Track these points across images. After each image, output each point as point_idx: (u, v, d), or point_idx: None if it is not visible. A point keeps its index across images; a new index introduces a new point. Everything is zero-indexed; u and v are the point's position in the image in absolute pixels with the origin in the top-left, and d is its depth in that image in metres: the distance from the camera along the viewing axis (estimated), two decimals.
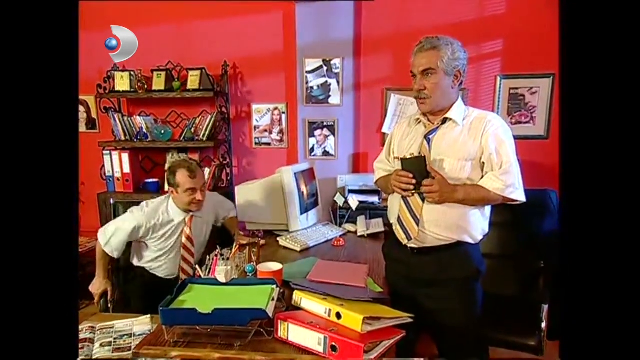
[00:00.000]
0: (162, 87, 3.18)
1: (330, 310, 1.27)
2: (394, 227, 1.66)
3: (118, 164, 3.24)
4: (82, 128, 3.49)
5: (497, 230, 1.78)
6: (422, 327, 1.56)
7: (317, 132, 3.16)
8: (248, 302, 1.34)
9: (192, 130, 3.21)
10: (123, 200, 2.83)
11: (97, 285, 2.16)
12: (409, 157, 1.54)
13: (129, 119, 3.24)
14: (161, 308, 1.29)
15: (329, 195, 2.88)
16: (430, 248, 1.57)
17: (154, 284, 2.20)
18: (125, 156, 3.23)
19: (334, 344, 1.16)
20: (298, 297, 1.38)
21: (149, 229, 2.13)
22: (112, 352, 1.56)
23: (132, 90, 3.21)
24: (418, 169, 1.50)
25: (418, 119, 1.65)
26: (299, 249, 2.15)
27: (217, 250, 1.76)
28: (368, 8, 3.07)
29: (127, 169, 3.24)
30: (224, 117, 3.27)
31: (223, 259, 1.73)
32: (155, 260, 2.23)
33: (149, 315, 1.77)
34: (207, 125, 3.18)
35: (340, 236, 2.35)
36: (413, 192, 1.53)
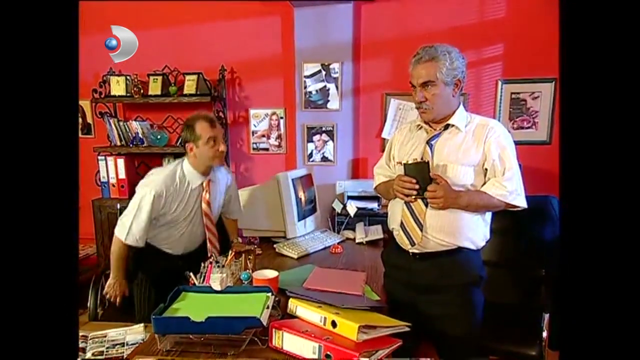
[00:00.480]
0: (159, 92, 3.20)
1: (325, 318, 1.27)
2: (395, 233, 1.67)
3: (113, 169, 3.25)
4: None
5: (498, 237, 1.78)
6: (421, 334, 1.56)
7: (316, 138, 3.17)
8: (242, 311, 1.34)
9: None
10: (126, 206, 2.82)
11: (117, 287, 2.04)
12: (411, 162, 1.55)
13: (125, 124, 3.25)
14: (154, 316, 1.29)
15: (328, 202, 2.88)
16: (432, 253, 1.58)
17: (167, 263, 2.10)
18: (121, 162, 3.24)
19: (328, 352, 1.16)
20: (293, 305, 1.39)
21: (168, 196, 1.99)
22: None
23: (128, 94, 3.23)
24: (421, 174, 1.52)
25: (419, 124, 1.67)
26: (296, 256, 2.15)
27: (212, 258, 1.76)
28: (367, 12, 3.09)
29: (122, 174, 3.25)
30: (221, 122, 3.28)
31: (218, 267, 1.73)
32: (170, 236, 2.09)
33: (142, 324, 1.76)
34: None
35: (339, 243, 2.35)
36: (415, 197, 1.54)
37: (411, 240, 1.59)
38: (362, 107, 3.21)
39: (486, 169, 1.56)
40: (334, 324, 1.24)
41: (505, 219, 1.86)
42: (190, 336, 1.28)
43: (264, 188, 2.45)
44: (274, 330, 1.26)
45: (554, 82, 2.94)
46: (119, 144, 3.25)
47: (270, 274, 1.67)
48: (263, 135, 3.38)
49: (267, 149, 3.40)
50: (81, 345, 1.66)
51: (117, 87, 3.22)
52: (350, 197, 2.92)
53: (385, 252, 1.83)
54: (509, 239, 2.24)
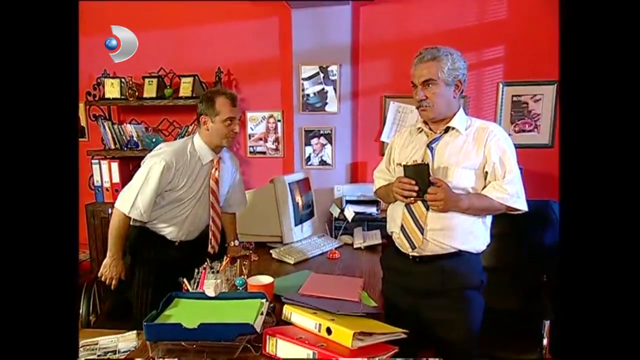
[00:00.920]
0: (154, 95, 3.22)
1: (320, 325, 1.27)
2: (395, 237, 1.69)
3: (107, 173, 3.25)
4: None
5: (498, 242, 1.78)
6: (420, 339, 1.57)
7: (314, 141, 3.18)
8: (236, 317, 1.34)
9: None
10: None
11: (113, 268, 1.96)
12: (411, 163, 1.58)
13: (119, 127, 3.26)
14: (145, 323, 1.29)
15: (326, 206, 2.89)
16: (432, 257, 1.60)
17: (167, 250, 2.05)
18: (115, 165, 3.24)
19: None
20: (288, 311, 1.39)
21: (178, 169, 1.95)
22: None
23: (122, 97, 3.24)
24: (421, 175, 1.54)
25: (419, 127, 1.70)
26: (292, 262, 2.16)
27: (206, 263, 1.76)
28: (366, 13, 3.11)
29: (116, 178, 3.25)
30: None
31: (213, 272, 1.74)
32: (174, 217, 2.03)
33: (134, 331, 1.76)
34: None
35: (336, 248, 2.36)
36: (415, 199, 1.56)
37: (412, 243, 1.60)
38: (360, 110, 3.22)
39: (487, 172, 1.59)
40: (328, 330, 1.24)
41: (505, 224, 1.86)
42: (183, 343, 1.29)
43: (261, 192, 2.46)
44: (267, 337, 1.27)
45: (556, 85, 2.95)
46: (113, 147, 3.26)
47: (266, 279, 1.68)
48: (260, 139, 3.39)
49: (264, 153, 3.40)
50: None
51: (112, 89, 3.23)
52: (349, 202, 2.92)
53: (384, 256, 1.84)
54: (509, 244, 2.24)
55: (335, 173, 3.18)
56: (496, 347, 1.97)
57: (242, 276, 1.80)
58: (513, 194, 1.56)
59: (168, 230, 2.06)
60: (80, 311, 2.37)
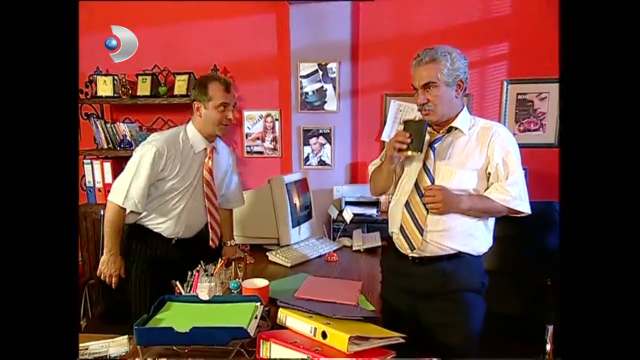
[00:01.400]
0: (148, 93, 3.23)
1: (315, 329, 1.27)
2: (394, 237, 1.70)
3: (100, 173, 3.26)
4: None
5: (501, 245, 1.79)
6: (419, 343, 1.57)
7: (312, 140, 3.19)
8: (229, 321, 1.34)
9: None
10: None
11: (111, 264, 1.93)
12: (411, 119, 1.62)
13: (112, 126, 3.27)
14: (136, 327, 1.30)
15: (325, 208, 2.89)
16: (432, 258, 1.61)
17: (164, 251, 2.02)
18: (108, 165, 3.25)
19: None
20: (283, 315, 1.39)
21: (169, 157, 1.93)
22: None
23: (115, 95, 3.25)
24: (417, 131, 1.56)
25: None
26: (289, 265, 2.16)
27: (200, 266, 1.76)
28: (366, 9, 3.12)
29: (109, 179, 3.25)
30: None
31: (207, 275, 1.74)
32: (168, 212, 2.01)
33: (126, 336, 1.77)
34: None
35: (334, 251, 2.36)
36: (404, 151, 1.57)
37: (411, 244, 1.61)
38: (360, 108, 3.23)
39: (489, 173, 1.60)
40: (324, 334, 1.24)
41: (508, 226, 1.87)
42: (174, 347, 1.29)
43: (257, 193, 2.46)
44: (261, 341, 1.27)
45: None
46: (105, 147, 3.27)
47: (261, 282, 1.68)
48: (257, 138, 3.40)
49: (261, 153, 3.41)
50: None
51: (104, 87, 3.25)
52: (348, 203, 2.93)
53: (383, 258, 1.86)
54: (512, 247, 2.25)
55: (335, 173, 3.20)
56: (498, 352, 1.96)
57: (237, 279, 1.80)
58: (516, 196, 1.57)
59: (164, 227, 2.03)
60: None
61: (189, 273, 1.78)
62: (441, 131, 1.64)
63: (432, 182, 1.59)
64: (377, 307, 1.69)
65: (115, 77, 3.25)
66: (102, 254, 2.00)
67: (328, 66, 3.08)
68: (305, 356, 1.18)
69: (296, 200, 2.50)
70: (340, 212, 2.64)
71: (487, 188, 1.60)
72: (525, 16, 2.95)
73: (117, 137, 3.26)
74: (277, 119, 3.34)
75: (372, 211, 2.87)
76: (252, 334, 1.27)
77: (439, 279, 1.59)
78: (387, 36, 3.11)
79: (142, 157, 1.91)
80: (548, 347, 1.97)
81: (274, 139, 3.38)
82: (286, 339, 1.26)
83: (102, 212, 2.71)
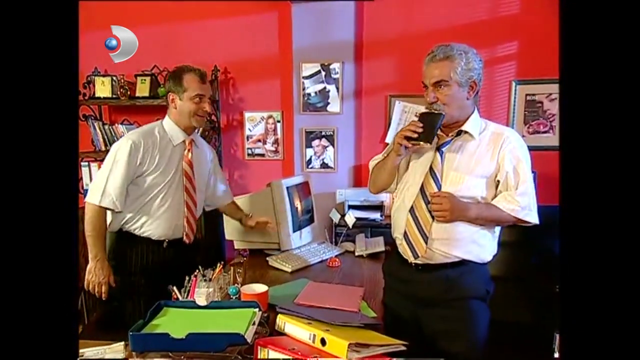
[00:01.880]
0: (147, 94, 3.25)
1: (314, 335, 1.28)
2: (398, 243, 1.69)
3: None
4: None
5: (507, 251, 1.79)
6: (422, 350, 1.57)
7: (315, 143, 3.20)
8: (227, 327, 1.35)
9: None
10: None
11: (98, 271, 1.88)
12: (427, 111, 1.58)
13: (110, 127, 3.29)
14: (131, 333, 1.31)
15: (327, 211, 2.89)
16: (436, 265, 1.60)
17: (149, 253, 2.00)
18: None
19: None
20: (281, 321, 1.40)
21: (146, 149, 1.93)
22: None
23: (113, 96, 3.27)
24: (431, 122, 1.53)
25: None
26: (290, 270, 2.17)
27: (198, 271, 1.78)
28: (370, 8, 3.13)
29: None
30: (213, 126, 3.32)
31: (205, 280, 1.75)
32: (152, 212, 1.98)
33: (122, 343, 1.78)
34: None
35: (337, 256, 2.37)
36: (414, 141, 1.53)
37: (415, 252, 1.60)
38: (364, 110, 3.24)
39: (498, 181, 1.58)
40: (323, 341, 1.25)
41: (516, 231, 1.88)
42: (170, 354, 1.30)
43: (258, 197, 2.47)
44: (259, 347, 1.28)
45: None
46: (103, 149, 3.28)
47: (259, 288, 1.69)
48: (259, 140, 3.41)
49: (262, 155, 3.43)
50: None
51: (102, 88, 3.27)
52: (351, 207, 2.93)
53: (386, 263, 1.85)
54: (519, 253, 2.25)
55: (338, 176, 3.20)
56: None
57: (236, 284, 1.82)
58: (525, 207, 1.55)
59: (152, 228, 2.01)
60: None
61: (187, 278, 1.79)
62: (450, 134, 1.62)
63: (439, 188, 1.57)
64: (379, 313, 1.70)
65: (114, 78, 3.27)
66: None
67: (331, 66, 3.09)
68: None
69: (297, 204, 2.51)
70: (343, 216, 2.65)
71: (495, 196, 1.59)
72: (534, 15, 2.95)
73: (115, 139, 3.27)
74: (278, 121, 3.36)
75: (376, 215, 2.88)
76: (249, 341, 1.28)
77: (442, 286, 1.59)
78: (391, 35, 3.12)
79: (118, 151, 1.91)
80: (556, 355, 1.97)
81: (276, 141, 3.39)
82: (284, 345, 1.27)
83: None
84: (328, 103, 3.14)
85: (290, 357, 1.22)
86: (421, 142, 1.53)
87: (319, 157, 3.21)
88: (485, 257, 1.63)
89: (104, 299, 1.94)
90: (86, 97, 3.32)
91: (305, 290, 1.77)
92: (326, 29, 3.08)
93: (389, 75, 3.17)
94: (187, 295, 1.72)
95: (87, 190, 3.24)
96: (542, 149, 2.95)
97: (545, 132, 3.07)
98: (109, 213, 1.95)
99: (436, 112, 1.55)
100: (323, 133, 3.18)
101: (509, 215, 1.55)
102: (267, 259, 2.29)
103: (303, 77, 3.13)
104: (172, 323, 1.42)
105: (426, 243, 1.58)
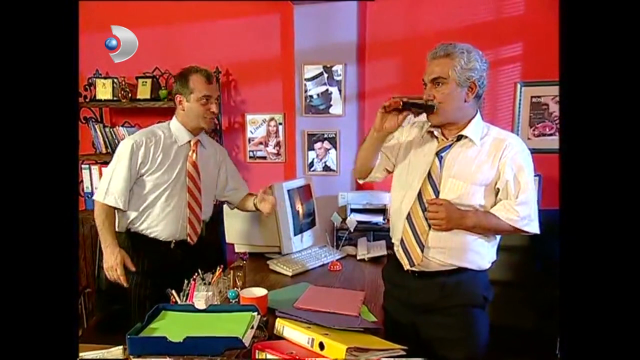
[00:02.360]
0: (148, 96, 3.27)
1: (313, 339, 1.29)
2: (395, 248, 1.69)
3: (98, 179, 3.28)
4: None
5: (509, 255, 1.80)
6: (420, 357, 1.57)
7: (317, 145, 3.21)
8: (225, 330, 1.37)
9: None
10: None
11: (112, 258, 1.94)
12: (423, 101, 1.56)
13: (111, 130, 3.32)
14: (128, 336, 1.33)
15: (329, 215, 2.90)
16: (433, 272, 1.60)
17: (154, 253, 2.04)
18: None
19: None
20: (280, 325, 1.41)
21: (149, 147, 1.98)
22: None
23: (115, 99, 3.29)
24: (419, 104, 1.53)
25: (431, 131, 1.65)
26: (290, 274, 2.18)
27: (197, 274, 1.79)
28: (373, 9, 3.14)
29: None
30: (215, 129, 3.33)
31: (204, 284, 1.77)
32: (158, 213, 2.03)
33: (121, 347, 1.79)
34: None
35: (338, 260, 2.38)
36: (395, 107, 1.53)
37: (410, 260, 1.60)
38: (367, 112, 3.24)
39: (498, 189, 1.56)
40: (321, 345, 1.26)
41: (519, 236, 1.84)
42: (168, 357, 1.31)
43: None
44: (257, 351, 1.29)
45: None
46: (104, 151, 3.31)
47: (259, 292, 1.70)
48: (260, 143, 3.43)
49: (264, 158, 3.44)
50: None
51: (103, 90, 3.29)
52: (354, 210, 2.94)
53: (386, 268, 1.85)
54: (521, 257, 2.24)
55: (340, 179, 3.21)
56: None
57: (235, 288, 1.83)
58: (524, 217, 1.53)
59: (159, 229, 2.06)
60: None
61: (185, 282, 1.81)
62: (450, 139, 1.60)
63: (437, 195, 1.56)
64: (380, 318, 1.70)
65: (115, 80, 3.30)
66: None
67: (333, 68, 3.11)
68: None
69: (299, 207, 2.52)
70: (344, 219, 2.66)
71: (495, 204, 1.57)
72: (540, 16, 2.94)
73: (116, 141, 3.30)
74: (280, 123, 3.37)
75: (379, 219, 2.88)
76: (247, 344, 1.29)
77: (438, 293, 1.58)
78: (394, 37, 3.13)
79: (120, 151, 1.99)
80: None
81: (278, 144, 3.41)
82: (282, 349, 1.28)
83: None
84: (330, 105, 3.15)
85: None
86: (403, 102, 1.51)
87: (321, 159, 3.23)
88: (483, 264, 1.61)
89: (124, 284, 1.97)
90: (87, 100, 3.35)
91: (306, 294, 1.78)
92: (328, 31, 3.09)
93: (392, 77, 3.17)
94: (186, 298, 1.73)
95: (87, 193, 3.32)
96: (547, 151, 2.94)
97: (550, 134, 3.06)
98: (116, 211, 2.02)
99: (430, 104, 1.53)
100: (325, 135, 3.19)
101: (508, 225, 1.54)
102: (268, 262, 2.30)
103: (305, 79, 3.15)
104: (171, 326, 1.44)
105: (422, 251, 1.57)
